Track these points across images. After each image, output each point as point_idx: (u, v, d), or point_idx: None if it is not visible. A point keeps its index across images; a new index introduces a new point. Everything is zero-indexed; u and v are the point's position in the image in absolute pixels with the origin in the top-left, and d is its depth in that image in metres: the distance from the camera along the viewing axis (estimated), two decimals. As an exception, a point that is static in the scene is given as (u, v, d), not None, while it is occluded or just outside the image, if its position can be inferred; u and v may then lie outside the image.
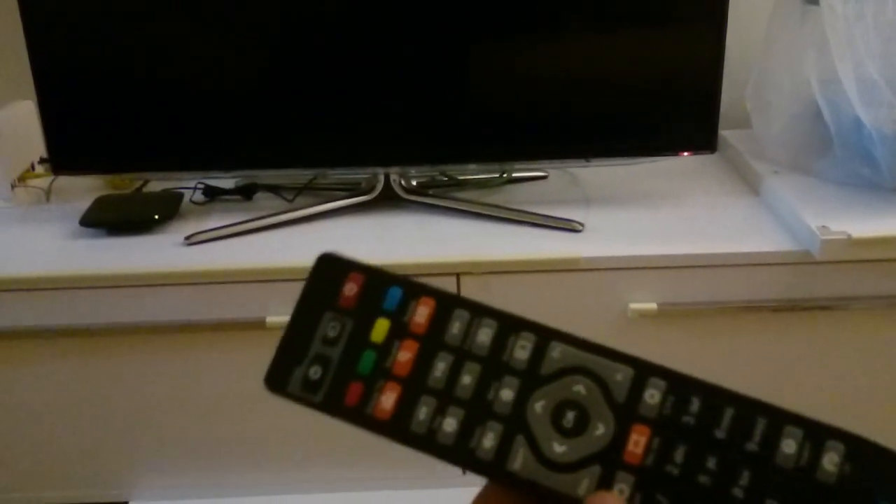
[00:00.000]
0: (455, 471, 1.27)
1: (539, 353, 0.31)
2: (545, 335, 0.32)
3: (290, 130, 1.22)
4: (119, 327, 1.17)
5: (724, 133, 1.45)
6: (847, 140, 1.21)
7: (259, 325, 1.15)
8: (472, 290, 1.15)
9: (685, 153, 1.24)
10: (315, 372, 0.34)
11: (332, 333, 0.34)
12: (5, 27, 1.30)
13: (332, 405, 0.33)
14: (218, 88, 1.20)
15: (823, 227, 1.10)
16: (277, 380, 0.35)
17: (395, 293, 0.33)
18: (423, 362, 0.32)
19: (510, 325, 0.32)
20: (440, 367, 0.32)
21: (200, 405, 1.23)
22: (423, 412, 0.31)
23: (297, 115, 1.20)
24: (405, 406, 0.32)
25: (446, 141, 1.23)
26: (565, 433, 0.30)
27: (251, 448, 1.26)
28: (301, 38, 1.18)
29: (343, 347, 0.34)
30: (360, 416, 0.32)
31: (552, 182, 1.40)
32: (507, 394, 0.31)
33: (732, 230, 1.19)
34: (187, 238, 1.20)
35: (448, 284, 1.15)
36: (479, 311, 0.32)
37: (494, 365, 0.32)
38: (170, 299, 1.15)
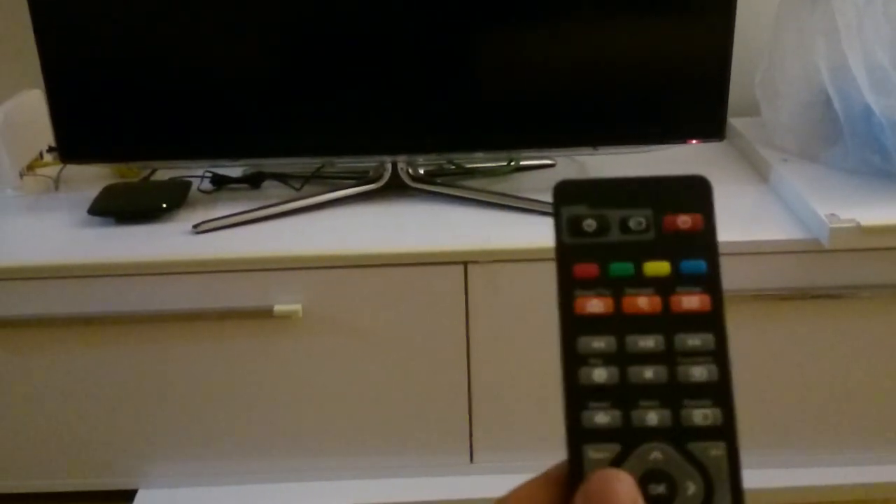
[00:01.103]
0: (462, 458, 1.28)
1: None
2: None
3: (298, 119, 1.21)
4: (127, 316, 1.17)
5: (733, 121, 1.44)
6: (856, 128, 1.20)
7: (266, 313, 1.15)
8: (479, 278, 1.15)
9: (693, 141, 1.23)
10: (589, 225, 0.34)
11: (633, 225, 0.34)
12: (14, 17, 1.30)
13: (564, 258, 0.33)
14: (225, 77, 1.20)
15: (832, 215, 1.10)
16: (567, 190, 0.34)
17: (700, 266, 0.33)
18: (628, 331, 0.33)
19: None
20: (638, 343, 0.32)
21: (208, 393, 1.23)
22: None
23: (305, 104, 1.20)
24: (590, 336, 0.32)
25: (454, 129, 1.23)
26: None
27: (259, 435, 1.26)
28: (309, 27, 1.18)
29: (622, 237, 0.33)
30: (564, 292, 0.33)
31: (560, 170, 1.40)
32: None
33: (741, 218, 1.18)
34: (195, 226, 1.20)
35: (455, 273, 1.15)
36: None
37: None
38: (177, 288, 1.15)
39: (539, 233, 1.16)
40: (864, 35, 1.16)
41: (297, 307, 1.15)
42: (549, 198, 1.13)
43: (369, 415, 1.25)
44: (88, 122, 1.21)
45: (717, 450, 0.31)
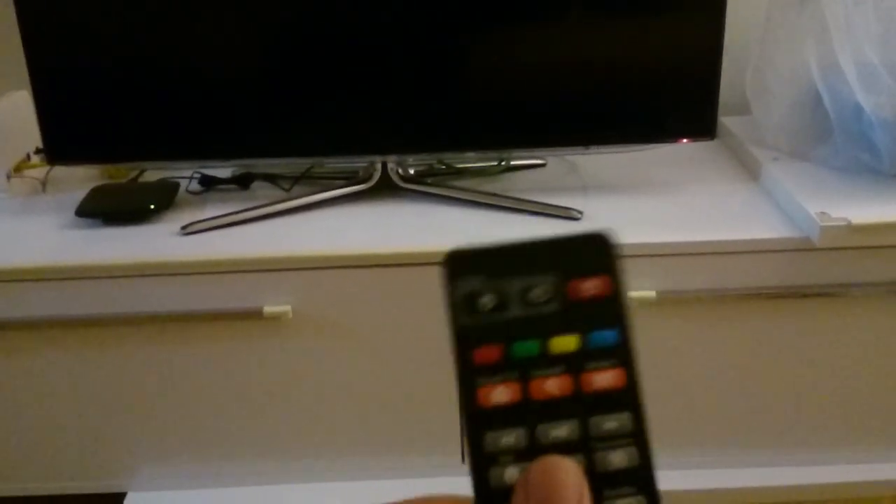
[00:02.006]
0: (454, 459, 1.27)
1: None
2: None
3: (287, 119, 1.21)
4: (115, 317, 1.16)
5: (724, 120, 1.44)
6: (847, 126, 1.20)
7: (256, 314, 1.15)
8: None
9: (684, 140, 1.23)
10: (486, 301, 0.30)
11: (535, 296, 0.30)
12: (0, 18, 1.29)
13: (462, 342, 0.30)
14: (214, 77, 1.19)
15: (823, 213, 1.10)
16: (459, 262, 0.31)
17: (610, 337, 0.30)
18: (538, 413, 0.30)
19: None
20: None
21: (197, 395, 1.22)
22: (502, 441, 0.29)
23: (294, 104, 1.20)
24: (500, 421, 0.29)
25: (444, 129, 1.23)
26: None
27: (249, 438, 1.25)
28: (297, 27, 1.17)
29: (524, 311, 0.30)
30: (466, 382, 0.30)
31: (551, 170, 1.39)
32: None
33: (732, 217, 1.18)
34: (184, 228, 1.20)
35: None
36: None
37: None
38: (166, 289, 1.15)
39: (530, 233, 1.16)
40: (854, 33, 1.16)
41: (287, 308, 1.15)
42: (541, 197, 1.13)
43: (360, 416, 1.24)
44: (76, 123, 1.20)
45: None
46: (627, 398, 0.29)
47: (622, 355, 0.30)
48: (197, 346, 1.19)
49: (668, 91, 1.20)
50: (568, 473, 0.28)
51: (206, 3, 1.15)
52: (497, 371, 0.30)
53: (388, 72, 1.18)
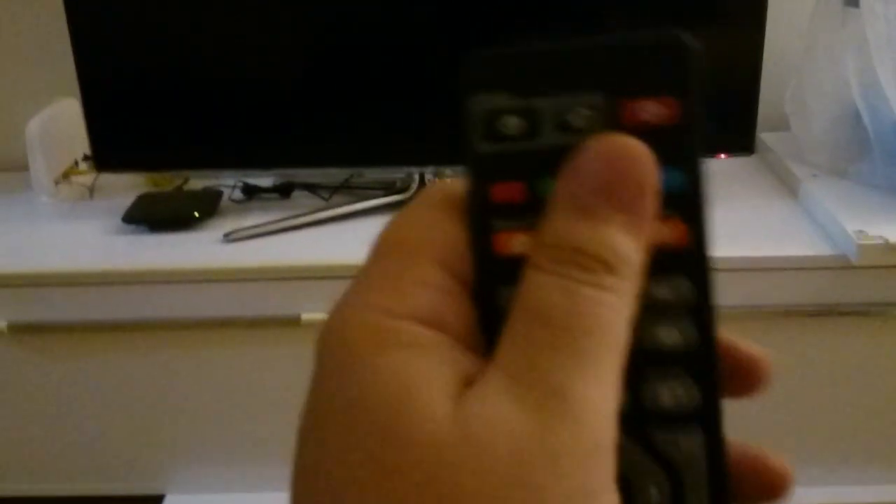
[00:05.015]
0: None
1: None
2: None
3: (327, 130, 1.23)
4: (158, 322, 1.19)
5: (763, 135, 1.44)
6: (886, 144, 1.20)
7: (294, 321, 1.17)
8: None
9: (722, 155, 1.23)
10: (512, 124, 0.24)
11: (576, 120, 0.23)
12: (52, 27, 1.32)
13: (478, 175, 0.24)
14: (258, 89, 1.22)
15: (861, 231, 1.09)
16: (481, 70, 0.25)
17: (673, 180, 0.23)
18: None
19: None
20: None
21: (236, 399, 1.24)
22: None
23: (334, 115, 1.22)
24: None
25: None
26: None
27: (286, 443, 1.26)
28: (339, 39, 1.19)
29: (560, 139, 0.23)
30: (479, 224, 0.24)
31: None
32: None
33: (769, 233, 1.18)
34: (226, 235, 1.22)
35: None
36: None
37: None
38: (208, 295, 1.17)
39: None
40: (895, 49, 1.15)
41: (325, 316, 1.16)
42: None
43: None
44: (123, 132, 1.23)
45: (689, 441, 0.23)
46: (688, 261, 0.23)
47: (687, 206, 0.23)
48: (236, 352, 1.21)
49: (707, 105, 1.20)
50: (635, 147, 0.23)
51: (250, 16, 1.18)
52: (520, 213, 0.24)
53: (427, 83, 1.20)
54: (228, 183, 1.39)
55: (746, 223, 1.21)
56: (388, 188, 1.32)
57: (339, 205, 1.28)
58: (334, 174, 1.39)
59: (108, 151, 1.24)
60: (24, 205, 1.36)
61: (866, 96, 1.20)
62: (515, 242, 0.23)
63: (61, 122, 1.39)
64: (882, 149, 1.20)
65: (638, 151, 0.22)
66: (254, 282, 1.16)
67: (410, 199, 1.21)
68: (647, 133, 0.22)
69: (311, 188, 1.39)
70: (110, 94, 1.21)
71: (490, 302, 0.23)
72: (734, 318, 1.16)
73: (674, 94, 0.23)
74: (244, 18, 1.18)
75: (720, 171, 1.40)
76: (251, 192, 1.38)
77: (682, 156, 0.23)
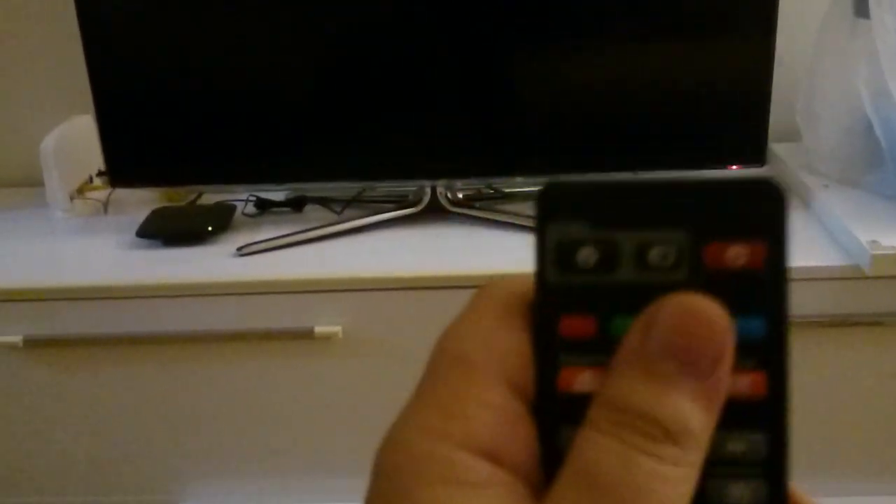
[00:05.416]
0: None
1: None
2: None
3: (339, 144, 1.24)
4: (172, 336, 1.19)
5: (774, 146, 1.44)
6: (899, 153, 1.20)
7: (307, 334, 1.17)
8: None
9: (734, 166, 1.23)
10: (587, 256, 0.23)
11: (656, 258, 0.22)
12: (67, 45, 1.34)
13: (547, 305, 0.23)
14: (270, 105, 1.23)
15: (874, 241, 1.09)
16: (558, 199, 0.23)
17: (755, 328, 0.22)
18: None
19: None
20: None
21: (250, 413, 1.25)
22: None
23: (346, 130, 1.23)
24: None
25: (493, 154, 1.24)
26: None
27: (298, 456, 1.27)
28: (349, 54, 1.20)
29: (637, 276, 0.23)
30: (544, 357, 0.23)
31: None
32: None
33: (781, 244, 1.17)
34: (239, 249, 1.23)
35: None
36: None
37: None
38: (222, 309, 1.18)
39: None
40: (906, 61, 1.15)
41: (338, 329, 1.17)
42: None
43: (407, 437, 1.25)
44: (137, 148, 1.24)
45: None
46: (766, 414, 0.23)
47: (768, 355, 0.23)
48: (249, 365, 1.21)
49: (718, 117, 1.21)
50: (715, 312, 0.21)
51: (262, 31, 1.19)
52: (588, 349, 0.23)
53: (438, 97, 1.21)
54: (241, 197, 1.40)
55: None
56: (400, 201, 1.33)
57: (351, 218, 1.29)
58: (346, 188, 1.40)
59: (122, 167, 1.25)
60: (40, 220, 1.37)
61: (877, 106, 1.20)
62: (581, 380, 0.22)
63: (76, 139, 1.40)
64: (894, 159, 1.20)
65: (716, 316, 0.21)
66: (267, 295, 1.17)
67: (421, 212, 1.20)
68: (729, 277, 0.22)
69: (324, 202, 1.40)
70: (124, 110, 1.23)
71: (550, 439, 0.22)
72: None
73: (763, 240, 0.22)
74: (256, 34, 1.19)
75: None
76: (264, 207, 1.39)
77: (764, 303, 0.22)
